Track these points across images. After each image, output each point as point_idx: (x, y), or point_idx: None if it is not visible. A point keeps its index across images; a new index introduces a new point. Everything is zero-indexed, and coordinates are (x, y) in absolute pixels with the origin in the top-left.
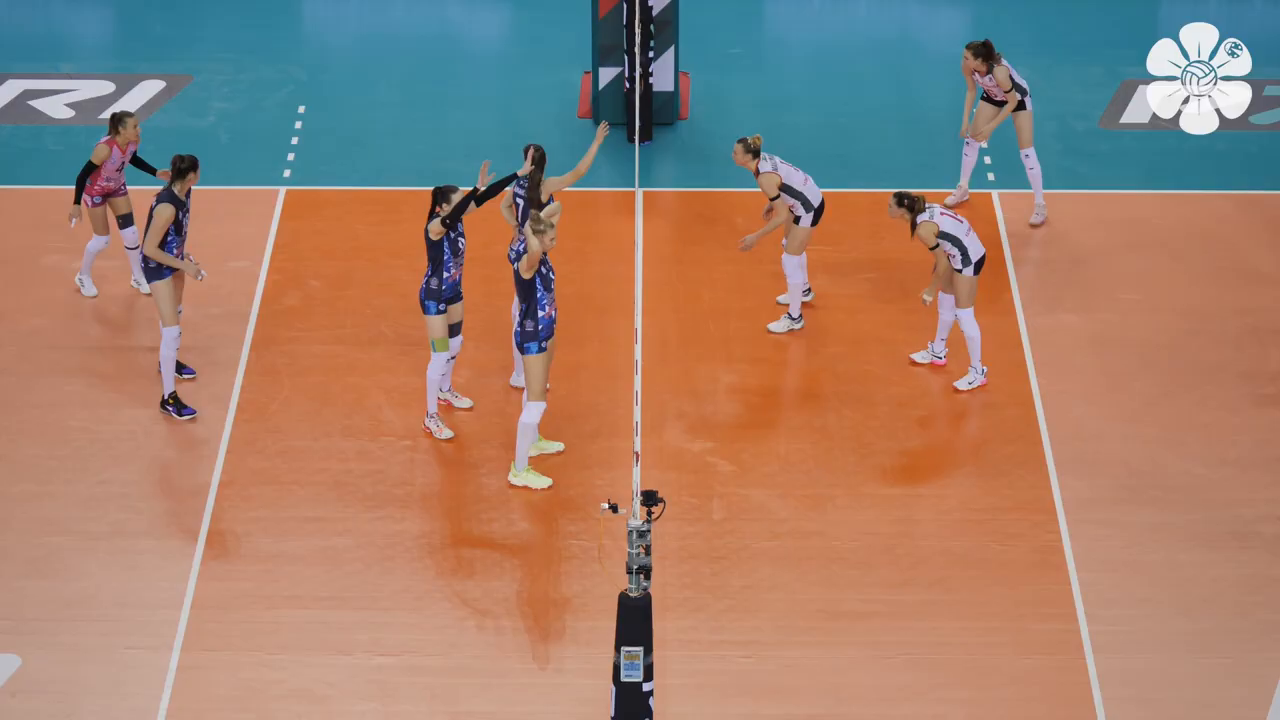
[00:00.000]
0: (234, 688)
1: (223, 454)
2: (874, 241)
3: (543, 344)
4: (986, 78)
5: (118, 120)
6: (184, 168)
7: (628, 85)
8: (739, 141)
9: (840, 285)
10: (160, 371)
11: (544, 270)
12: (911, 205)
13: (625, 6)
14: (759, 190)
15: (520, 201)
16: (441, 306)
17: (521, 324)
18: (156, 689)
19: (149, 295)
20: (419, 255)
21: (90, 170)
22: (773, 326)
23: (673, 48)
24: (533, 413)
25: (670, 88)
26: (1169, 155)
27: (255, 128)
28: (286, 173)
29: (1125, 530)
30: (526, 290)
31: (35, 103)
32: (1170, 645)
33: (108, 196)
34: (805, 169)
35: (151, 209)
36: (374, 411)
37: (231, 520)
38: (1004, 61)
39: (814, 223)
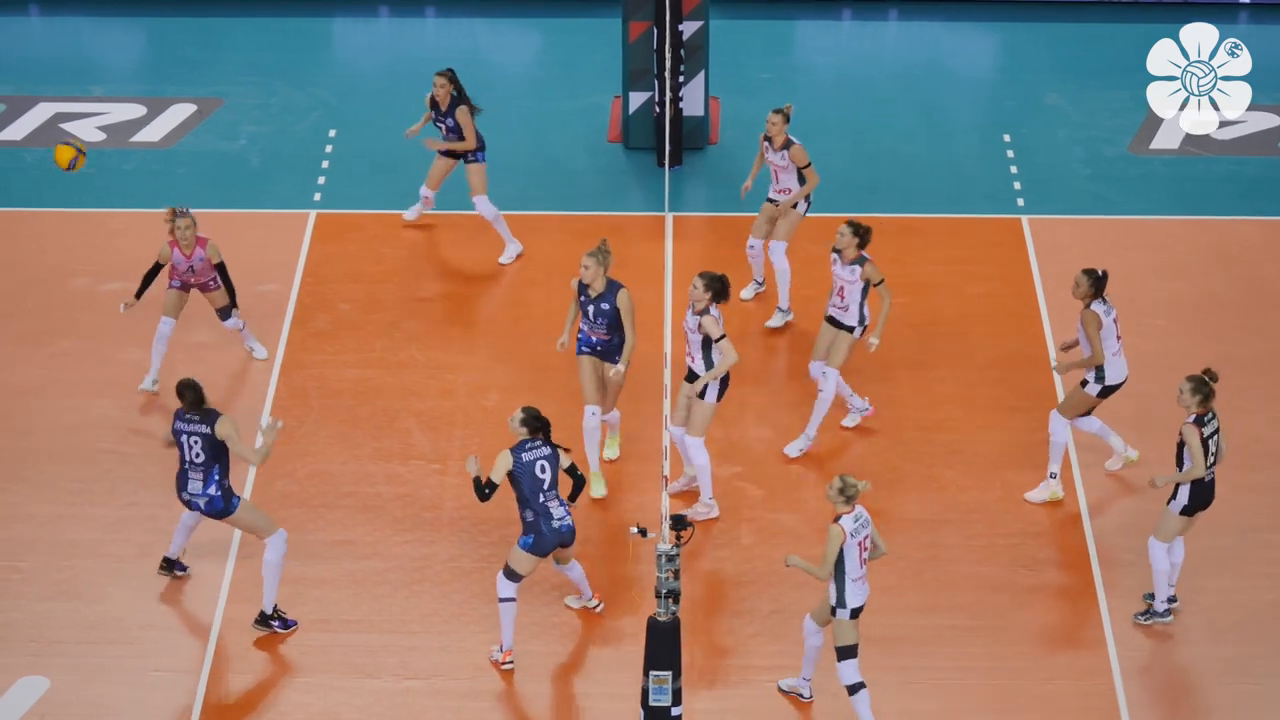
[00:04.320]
0: (261, 711)
1: (252, 476)
2: (902, 266)
3: None
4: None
5: (170, 215)
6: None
7: (658, 110)
8: (777, 111)
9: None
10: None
11: None
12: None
13: (655, 31)
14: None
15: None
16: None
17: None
18: (184, 711)
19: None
20: (449, 279)
21: (156, 269)
22: (770, 323)
23: (703, 72)
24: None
25: (700, 112)
26: (1197, 181)
27: (286, 151)
28: (317, 196)
29: None
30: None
31: (67, 125)
32: (1198, 670)
33: (190, 287)
34: (834, 193)
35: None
36: (403, 435)
37: (260, 543)
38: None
39: (807, 211)
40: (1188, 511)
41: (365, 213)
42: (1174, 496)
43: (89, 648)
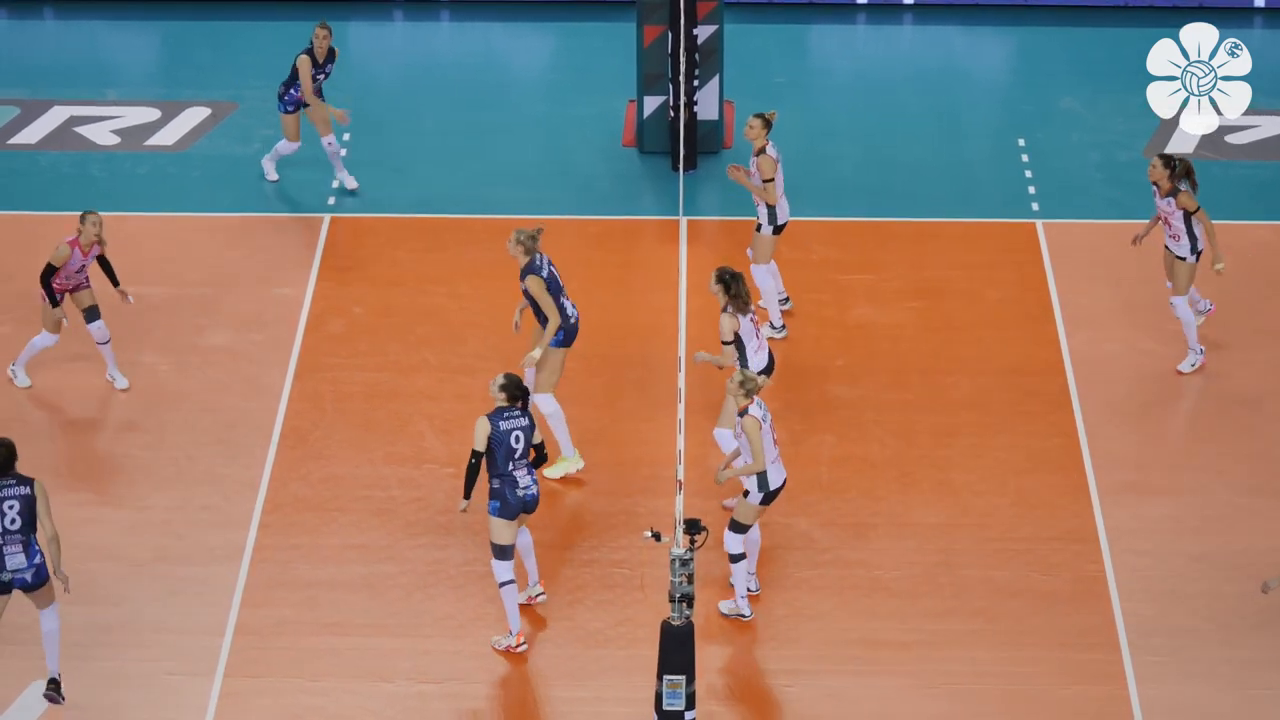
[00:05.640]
0: (275, 714)
1: (266, 480)
2: (917, 271)
3: None
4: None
5: (81, 218)
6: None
7: (672, 114)
8: (757, 116)
9: (883, 314)
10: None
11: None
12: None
13: (670, 35)
14: (801, 219)
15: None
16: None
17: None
18: (198, 715)
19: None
20: (461, 282)
21: (51, 272)
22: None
23: (717, 76)
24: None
25: (715, 116)
26: (1213, 185)
27: (300, 155)
28: (331, 200)
29: (1168, 560)
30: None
31: (81, 129)
32: (1214, 675)
33: (67, 292)
34: (848, 198)
35: None
36: (417, 439)
37: (274, 546)
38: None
39: (775, 233)
40: None
41: (379, 216)
42: None
43: (103, 651)
